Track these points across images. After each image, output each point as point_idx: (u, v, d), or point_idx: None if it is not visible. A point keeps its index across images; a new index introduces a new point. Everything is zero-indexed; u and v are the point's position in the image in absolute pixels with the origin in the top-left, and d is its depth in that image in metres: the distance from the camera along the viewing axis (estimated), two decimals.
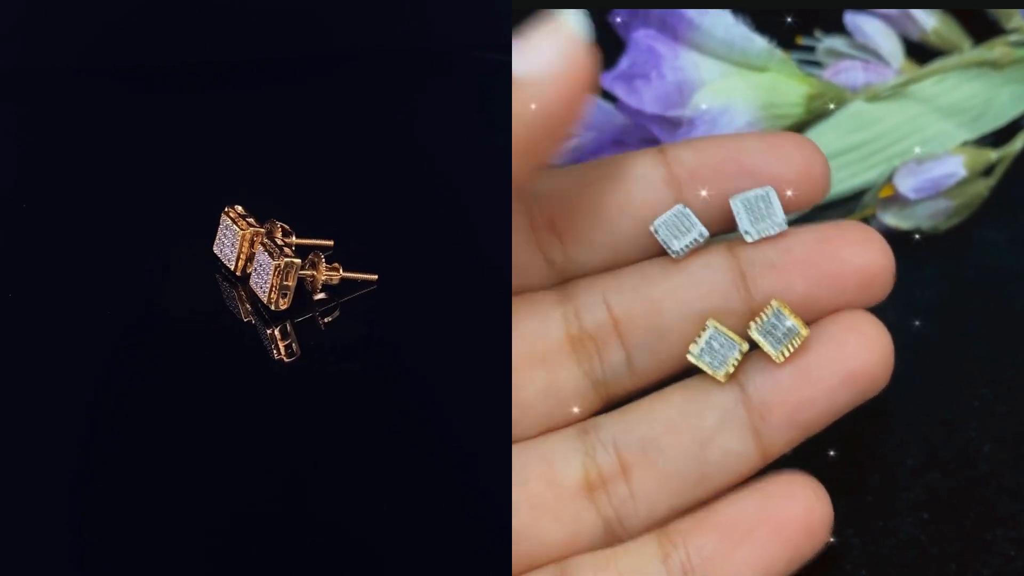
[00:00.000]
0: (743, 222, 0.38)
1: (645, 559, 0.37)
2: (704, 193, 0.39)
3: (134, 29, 0.62)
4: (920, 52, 0.50)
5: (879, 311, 0.39)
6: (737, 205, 0.38)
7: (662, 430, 0.38)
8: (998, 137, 0.49)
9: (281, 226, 0.50)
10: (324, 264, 0.49)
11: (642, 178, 0.39)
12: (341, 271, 0.49)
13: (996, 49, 0.49)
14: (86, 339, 0.48)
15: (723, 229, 0.39)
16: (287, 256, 0.47)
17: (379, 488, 0.43)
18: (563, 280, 0.40)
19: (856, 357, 0.37)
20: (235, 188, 0.53)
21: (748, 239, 0.38)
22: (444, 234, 0.53)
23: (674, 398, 0.39)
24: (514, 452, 0.39)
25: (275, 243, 0.48)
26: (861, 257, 0.38)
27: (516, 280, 0.39)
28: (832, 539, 0.38)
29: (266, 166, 0.56)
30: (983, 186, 0.48)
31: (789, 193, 0.38)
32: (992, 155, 0.48)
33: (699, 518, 0.38)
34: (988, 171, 0.49)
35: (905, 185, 0.47)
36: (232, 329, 0.49)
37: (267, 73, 0.63)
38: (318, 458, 0.44)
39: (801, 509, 0.37)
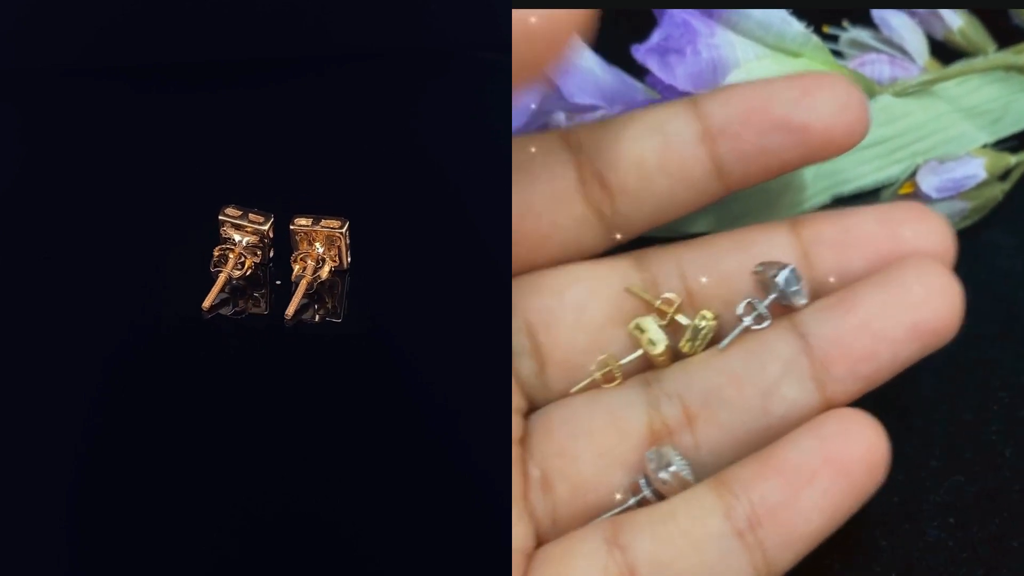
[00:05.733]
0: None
1: (705, 513, 0.36)
2: None
3: (134, 29, 0.61)
4: (943, 51, 0.50)
5: None
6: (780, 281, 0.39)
7: (725, 382, 0.38)
8: (1019, 142, 0.49)
9: (338, 249, 0.50)
10: (235, 264, 0.49)
11: (678, 135, 0.39)
12: (211, 296, 0.48)
13: (1022, 54, 0.49)
14: (86, 339, 0.47)
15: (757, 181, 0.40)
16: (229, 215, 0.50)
17: (377, 483, 0.43)
18: (613, 233, 0.41)
19: (922, 308, 0.37)
20: (235, 188, 0.53)
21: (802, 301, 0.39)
22: (444, 234, 0.52)
23: (735, 350, 0.39)
24: (580, 403, 0.40)
25: (251, 222, 0.49)
26: (920, 237, 0.39)
27: (569, 234, 0.41)
28: None
29: (265, 166, 0.56)
30: (999, 190, 0.48)
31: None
32: (1011, 160, 0.48)
33: (758, 465, 0.36)
34: (1005, 175, 0.49)
35: (928, 184, 0.47)
36: (230, 328, 0.48)
37: (267, 73, 0.62)
38: (317, 453, 0.44)
39: (863, 447, 0.36)
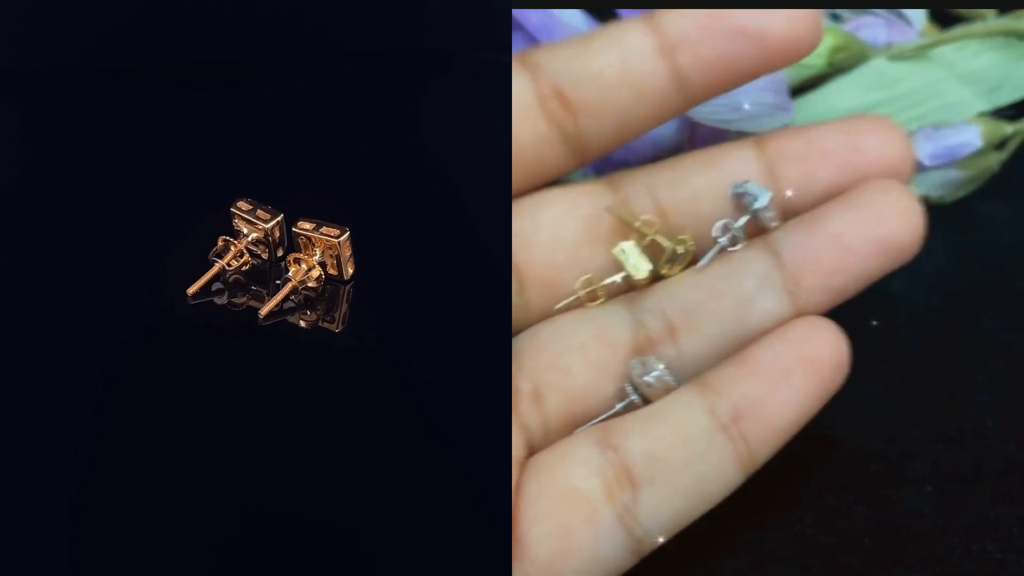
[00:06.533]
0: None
1: (691, 412, 0.39)
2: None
3: (134, 29, 0.62)
4: (943, 16, 0.49)
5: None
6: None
7: (705, 296, 0.41)
8: (1017, 111, 0.48)
9: (337, 258, 0.49)
10: (234, 256, 0.49)
11: (636, 48, 0.40)
12: (198, 283, 0.48)
13: (1022, 20, 0.48)
14: (86, 339, 0.47)
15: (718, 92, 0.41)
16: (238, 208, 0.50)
17: (377, 484, 0.43)
18: (577, 154, 0.41)
19: (887, 224, 0.39)
20: (235, 188, 0.53)
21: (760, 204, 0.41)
22: (444, 233, 0.52)
23: (713, 268, 0.41)
24: (568, 320, 0.41)
25: (258, 218, 0.49)
26: (882, 148, 0.40)
27: (533, 154, 0.41)
28: None
29: (265, 166, 0.56)
30: (994, 160, 0.47)
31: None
32: (1008, 129, 0.47)
33: (736, 367, 0.39)
34: (1001, 145, 0.48)
35: (922, 150, 0.47)
36: (230, 328, 0.48)
37: (267, 73, 0.62)
38: (316, 452, 0.44)
39: (829, 348, 0.39)
